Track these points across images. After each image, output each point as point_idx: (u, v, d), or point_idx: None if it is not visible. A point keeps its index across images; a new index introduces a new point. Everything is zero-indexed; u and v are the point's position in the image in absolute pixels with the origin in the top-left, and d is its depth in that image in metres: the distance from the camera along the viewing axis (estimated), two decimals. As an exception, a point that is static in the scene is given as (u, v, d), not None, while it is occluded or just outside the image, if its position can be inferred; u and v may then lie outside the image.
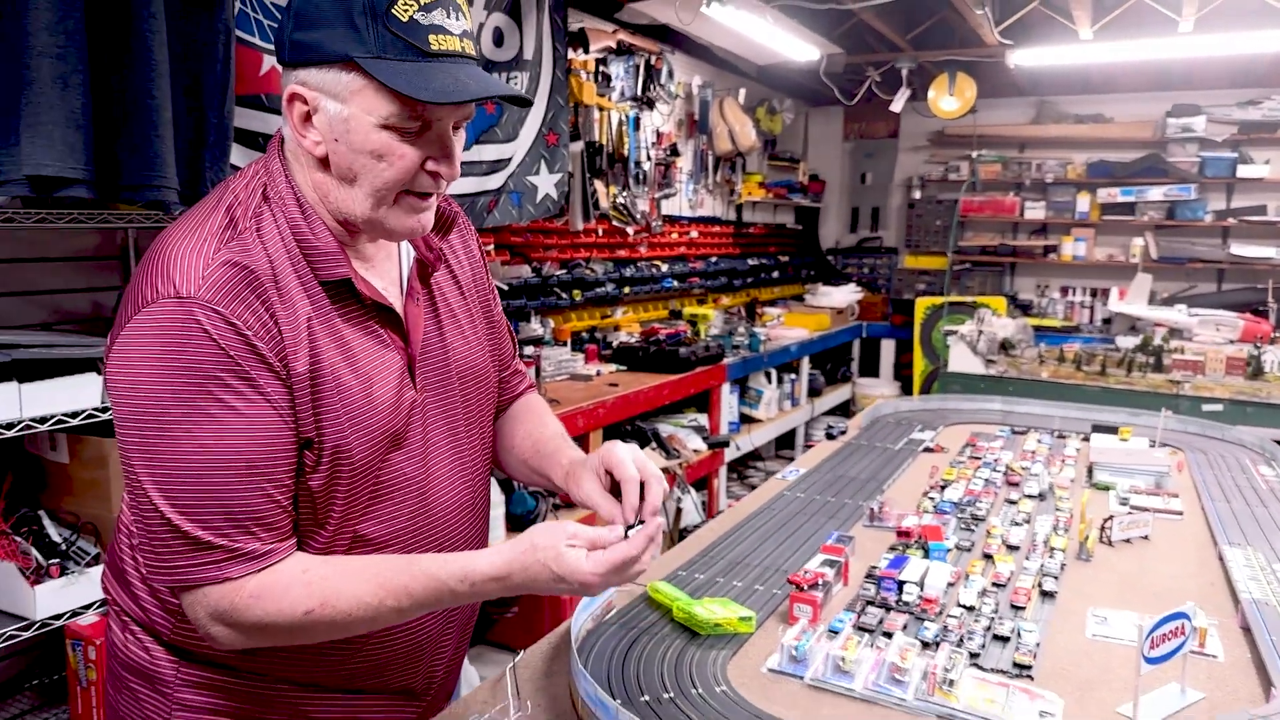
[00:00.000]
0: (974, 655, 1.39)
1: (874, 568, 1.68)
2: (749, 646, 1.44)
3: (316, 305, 1.09)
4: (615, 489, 1.21)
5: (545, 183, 3.18)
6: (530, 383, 1.53)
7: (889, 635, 1.42)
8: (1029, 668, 1.36)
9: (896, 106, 5.92)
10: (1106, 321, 6.46)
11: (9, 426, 1.76)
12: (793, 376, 5.82)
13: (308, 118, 1.07)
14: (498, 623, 3.38)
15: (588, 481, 1.24)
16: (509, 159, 3.02)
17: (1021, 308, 6.77)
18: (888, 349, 7.19)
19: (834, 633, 1.42)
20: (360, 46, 1.01)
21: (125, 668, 1.20)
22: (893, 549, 1.82)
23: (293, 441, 1.06)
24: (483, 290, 1.38)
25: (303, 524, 1.11)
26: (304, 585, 1.03)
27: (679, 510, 4.02)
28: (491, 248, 3.66)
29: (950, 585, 1.64)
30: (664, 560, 1.84)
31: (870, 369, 7.27)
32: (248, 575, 1.02)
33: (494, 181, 2.97)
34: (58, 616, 1.88)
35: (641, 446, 3.66)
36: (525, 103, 1.17)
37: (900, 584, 1.59)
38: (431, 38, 1.03)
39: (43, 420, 1.80)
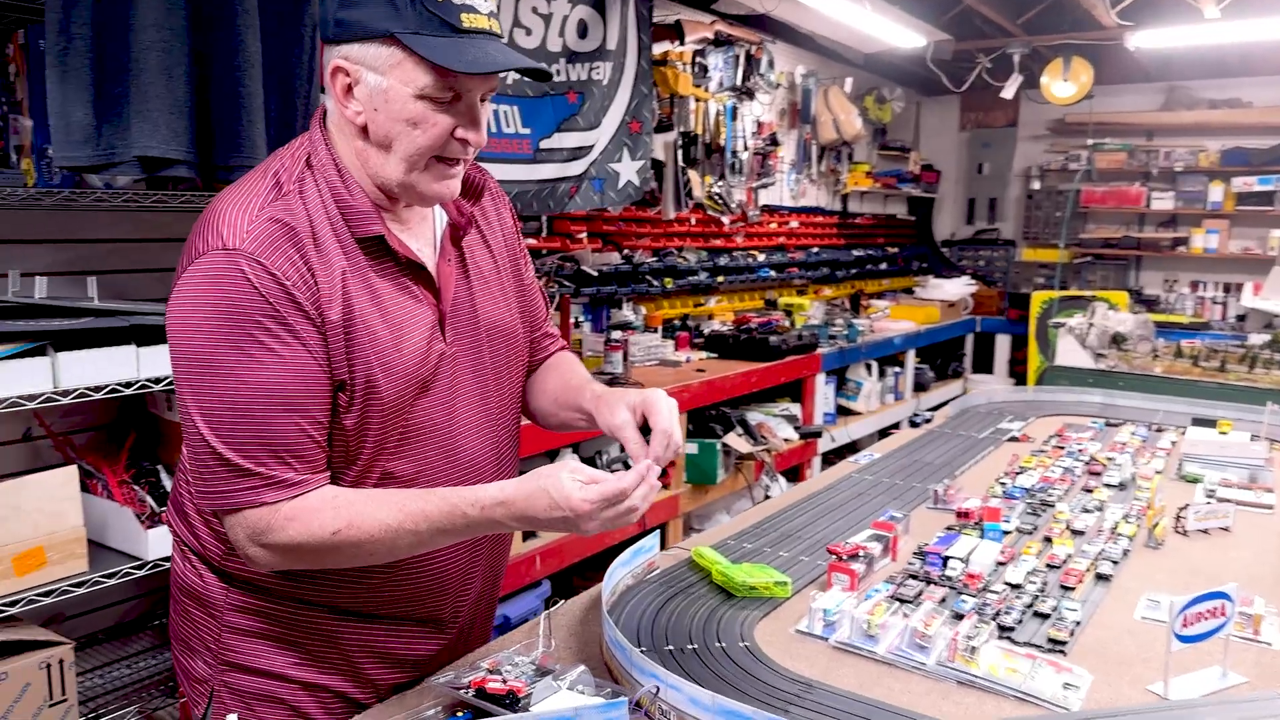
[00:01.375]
0: (1006, 629, 1.38)
1: (923, 545, 1.68)
2: (782, 610, 1.47)
3: (352, 260, 1.20)
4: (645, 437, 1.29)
5: (628, 170, 3.26)
6: (562, 344, 1.61)
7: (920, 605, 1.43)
8: (1063, 644, 1.34)
9: (1008, 93, 5.73)
10: (1240, 318, 6.07)
11: (128, 385, 1.96)
12: (897, 370, 5.70)
13: (349, 90, 1.18)
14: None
15: (622, 413, 1.32)
16: (591, 146, 3.11)
17: (1146, 303, 6.44)
18: (1002, 344, 6.94)
19: (868, 600, 1.44)
20: (399, 23, 1.11)
21: (183, 592, 1.34)
22: (948, 529, 1.81)
23: (326, 382, 1.17)
24: (513, 255, 1.47)
25: (336, 460, 1.22)
26: (333, 509, 1.14)
27: (766, 497, 4.03)
28: (585, 235, 3.77)
29: (1000, 565, 1.62)
30: (715, 530, 1.89)
31: (984, 365, 7.03)
32: (281, 501, 1.14)
33: (575, 168, 3.07)
34: (168, 558, 2.07)
35: (726, 431, 3.69)
36: (545, 75, 1.26)
37: (945, 559, 1.59)
38: (463, 15, 1.13)
39: (157, 381, 2.00)
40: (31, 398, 1.82)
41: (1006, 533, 1.80)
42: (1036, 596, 1.48)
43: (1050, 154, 7.12)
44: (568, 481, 1.13)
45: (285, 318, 1.13)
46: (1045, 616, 1.43)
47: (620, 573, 1.50)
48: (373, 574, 1.28)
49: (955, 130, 7.65)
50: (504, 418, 1.42)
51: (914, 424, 2.91)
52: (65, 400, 1.87)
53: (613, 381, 3.35)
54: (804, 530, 1.85)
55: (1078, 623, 1.40)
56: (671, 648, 1.31)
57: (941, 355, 6.60)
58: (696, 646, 1.31)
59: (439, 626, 1.40)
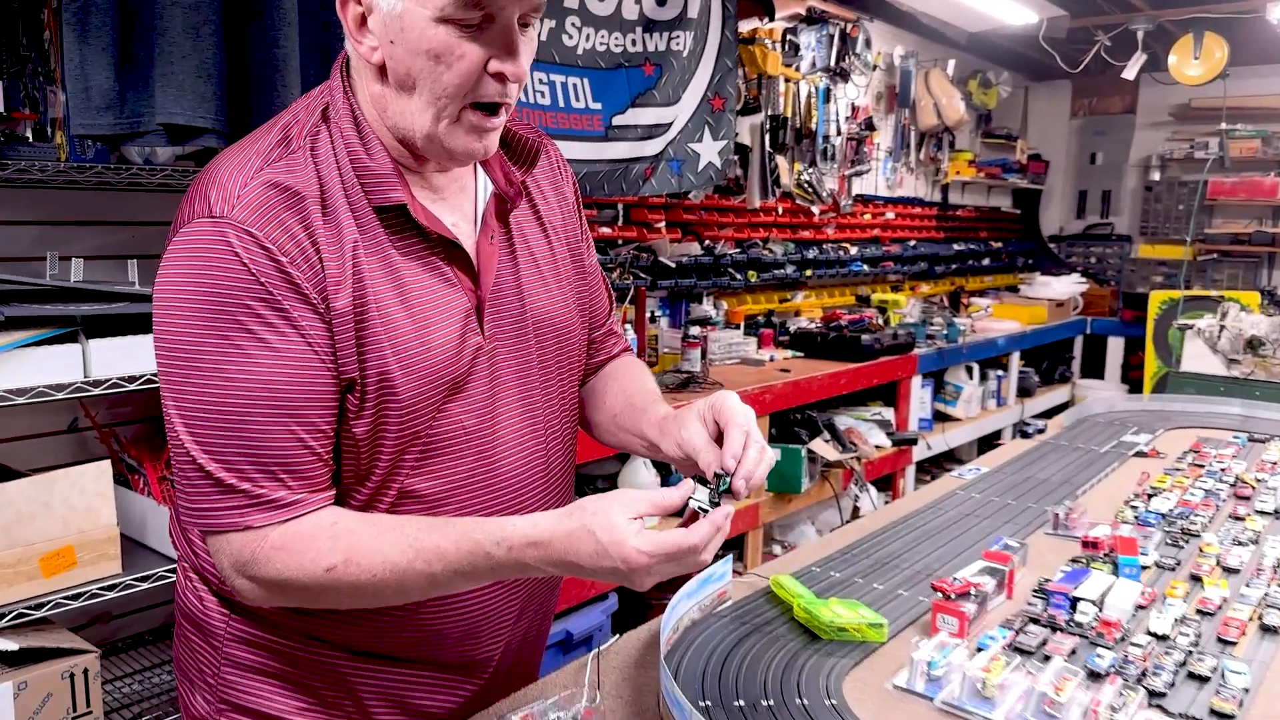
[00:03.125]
0: (1156, 695, 1.12)
1: (1045, 580, 1.42)
2: (876, 658, 1.24)
3: (368, 233, 1.00)
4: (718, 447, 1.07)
5: (708, 150, 3.01)
6: (626, 345, 1.39)
7: (1048, 660, 1.18)
8: (1230, 718, 1.08)
9: (1130, 73, 5.28)
10: (1391, 321, 5.48)
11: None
12: (1000, 373, 5.34)
13: (363, 21, 0.99)
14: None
15: (692, 424, 1.09)
16: (669, 124, 2.87)
17: (1280, 304, 5.88)
18: (1115, 347, 6.46)
19: (981, 650, 1.20)
20: None
21: (184, 615, 1.17)
22: (1073, 561, 1.55)
23: (330, 382, 0.97)
24: (572, 236, 1.25)
25: (345, 476, 1.03)
26: (330, 539, 0.95)
27: (855, 508, 3.76)
28: (663, 224, 3.56)
29: (1140, 609, 1.36)
30: (797, 554, 1.66)
31: (1094, 369, 6.57)
32: (270, 525, 0.95)
33: (651, 147, 2.83)
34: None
35: (812, 437, 3.44)
36: None
37: (1074, 601, 1.33)
38: None
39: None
40: (60, 387, 1.70)
41: (1145, 568, 1.52)
42: (1190, 653, 1.22)
43: (1173, 142, 6.59)
44: (621, 523, 0.90)
45: (279, 301, 0.94)
46: (1204, 679, 1.16)
47: (684, 606, 1.29)
48: (390, 610, 1.08)
49: (1066, 117, 7.17)
50: (555, 429, 1.20)
51: (1024, 434, 2.63)
52: (96, 391, 1.75)
53: (690, 380, 3.13)
54: (902, 558, 1.61)
55: (1246, 689, 1.14)
56: (742, 703, 1.09)
57: (1048, 358, 6.19)
58: (773, 703, 1.10)
59: (469, 672, 1.19)
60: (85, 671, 1.71)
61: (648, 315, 3.48)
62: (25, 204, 2.03)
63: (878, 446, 3.91)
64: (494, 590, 1.14)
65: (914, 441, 4.18)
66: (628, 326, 3.26)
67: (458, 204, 1.11)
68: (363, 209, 1.00)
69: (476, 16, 0.95)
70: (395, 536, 0.95)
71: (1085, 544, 1.59)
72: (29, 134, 1.77)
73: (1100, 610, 1.32)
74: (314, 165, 0.99)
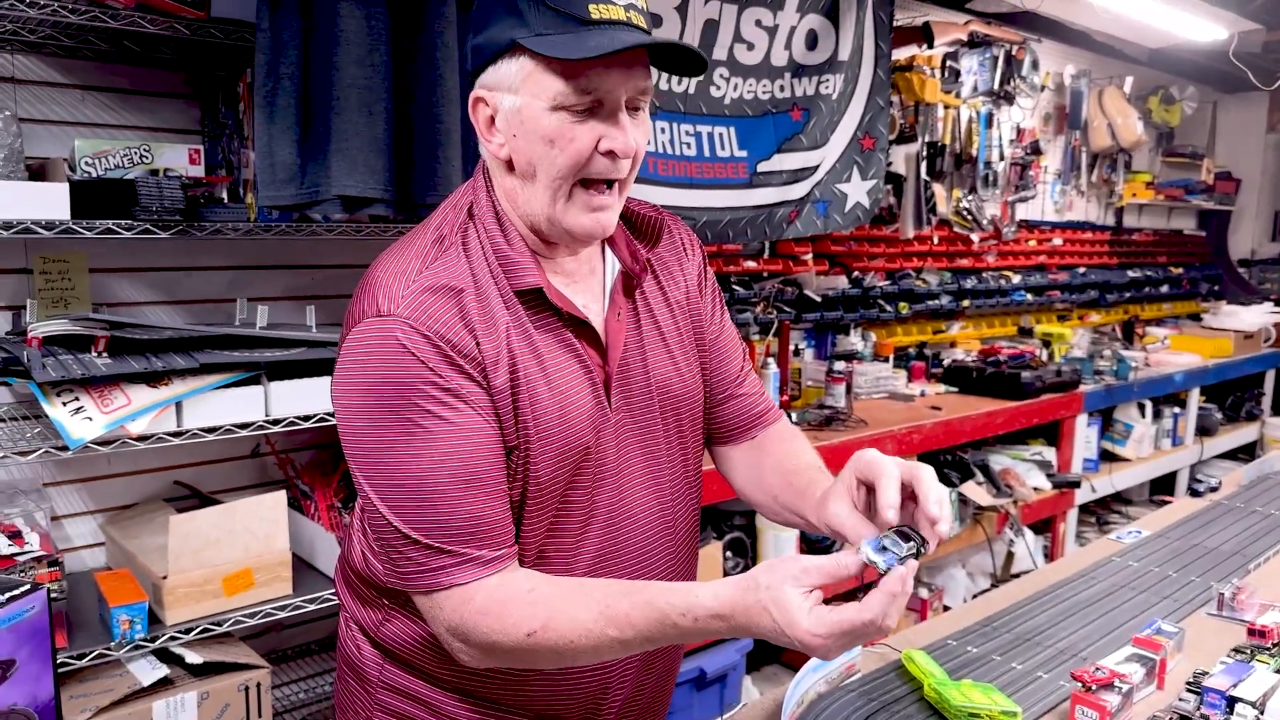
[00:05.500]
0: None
1: (1201, 673, 1.33)
2: None
3: (514, 316, 1.08)
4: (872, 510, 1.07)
5: (857, 190, 2.97)
6: (780, 414, 1.39)
7: (1196, 771, 1.11)
8: None
9: (1338, 88, 4.82)
10: None
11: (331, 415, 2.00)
12: (1177, 410, 4.96)
13: (491, 122, 1.08)
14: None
15: (836, 500, 1.09)
16: (815, 166, 2.85)
17: None
18: (1314, 383, 5.90)
19: None
20: (524, 29, 1.00)
21: (343, 660, 1.28)
22: (1236, 651, 1.44)
23: (501, 449, 1.06)
24: (695, 310, 1.28)
25: None
26: (528, 604, 1.01)
27: (1010, 555, 3.60)
28: (809, 257, 3.53)
29: (1310, 715, 1.25)
30: (934, 624, 1.62)
31: (1288, 407, 6.01)
32: (476, 580, 1.03)
33: (797, 191, 2.82)
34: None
35: (964, 479, 3.32)
36: (697, 62, 1.07)
37: (1231, 701, 1.25)
38: (591, 7, 1.00)
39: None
40: (245, 425, 1.89)
41: (1320, 666, 1.40)
42: (1366, 774, 1.12)
43: (1389, 158, 5.96)
44: (794, 601, 0.91)
45: (448, 384, 1.02)
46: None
47: (810, 680, 1.29)
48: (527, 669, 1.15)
49: (1261, 132, 6.58)
50: (678, 491, 1.24)
51: (1195, 493, 2.43)
52: (275, 429, 1.92)
53: (833, 417, 3.10)
54: (1046, 634, 1.54)
55: None
56: (861, 793, 1.09)
57: (1233, 394, 5.69)
58: (893, 795, 1.09)
59: None
60: (259, 685, 1.88)
61: (792, 349, 3.46)
62: (220, 251, 2.26)
63: (1036, 489, 3.72)
64: None
65: (1077, 484, 3.95)
66: (770, 360, 3.24)
67: (588, 285, 1.18)
68: (508, 294, 1.08)
69: (586, 101, 1.02)
70: (587, 602, 1.01)
71: (1252, 632, 1.48)
72: (224, 194, 1.97)
73: (1261, 714, 1.23)
74: (466, 260, 1.08)
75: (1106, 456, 4.45)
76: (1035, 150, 4.56)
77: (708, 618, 0.96)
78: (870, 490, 1.05)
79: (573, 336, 1.12)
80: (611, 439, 1.15)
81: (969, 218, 4.20)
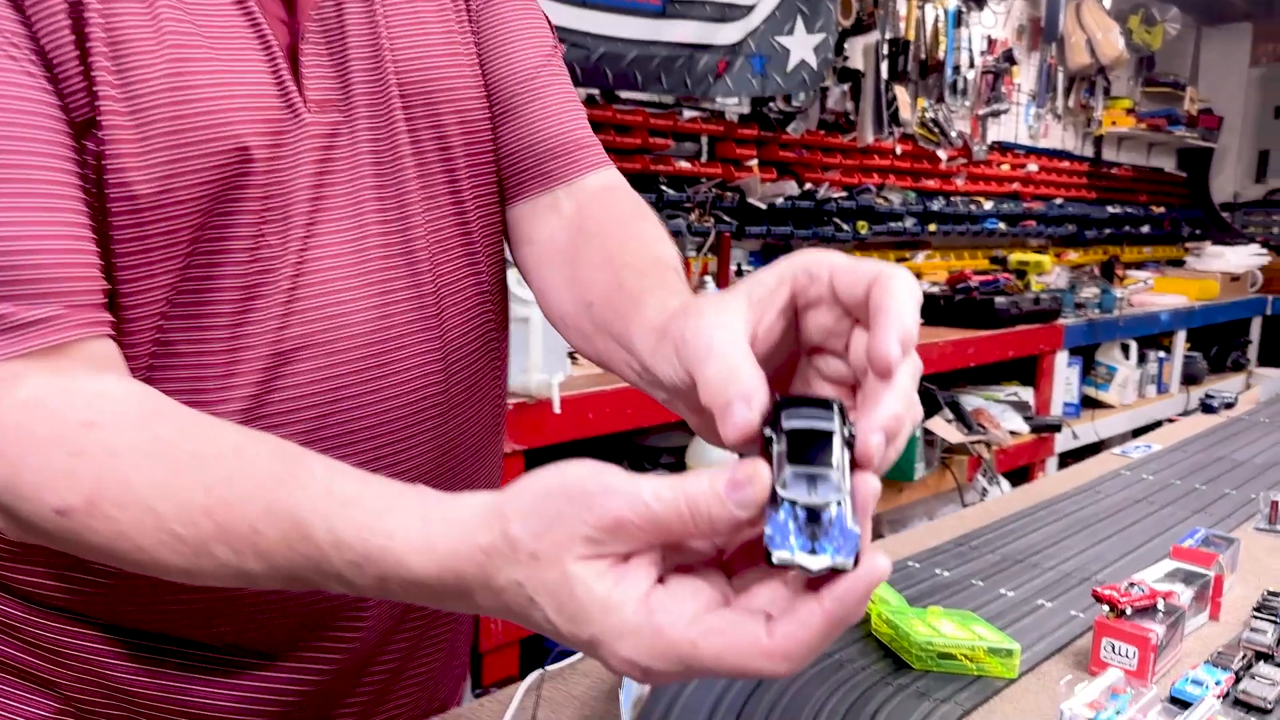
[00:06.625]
0: None
1: (1273, 594, 0.88)
2: (999, 705, 0.74)
3: None
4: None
5: (801, 45, 2.40)
6: (606, 162, 0.78)
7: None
8: None
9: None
10: None
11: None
12: (1162, 355, 4.58)
13: None
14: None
15: (710, 324, 0.48)
16: (750, 7, 2.27)
17: None
18: (1301, 331, 5.58)
19: (1178, 703, 0.70)
20: None
21: None
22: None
23: (61, 122, 0.55)
24: None
25: None
26: (73, 451, 0.50)
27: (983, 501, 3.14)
28: (755, 163, 3.00)
29: None
30: (889, 542, 1.14)
31: (1273, 356, 5.68)
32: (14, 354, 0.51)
33: (725, 34, 2.23)
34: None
35: (931, 414, 2.85)
36: None
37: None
38: None
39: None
40: None
41: None
42: None
43: (1381, 89, 5.61)
44: (592, 590, 0.40)
45: None
46: None
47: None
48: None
49: (1245, 66, 6.25)
50: (458, 297, 0.71)
51: (1209, 409, 2.02)
52: None
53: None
54: (1042, 554, 1.08)
55: None
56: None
57: (1218, 341, 5.34)
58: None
59: (264, 658, 0.69)
60: None
61: (733, 268, 2.96)
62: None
63: (1012, 432, 3.29)
64: None
65: (1057, 428, 3.53)
66: (708, 279, 2.75)
67: None
68: None
69: None
70: (193, 475, 0.49)
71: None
72: None
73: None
74: None
75: (1088, 402, 4.09)
76: (1009, 59, 4.10)
77: (401, 581, 0.44)
78: (797, 318, 0.48)
79: None
80: (308, 159, 0.62)
81: (936, 131, 3.73)
